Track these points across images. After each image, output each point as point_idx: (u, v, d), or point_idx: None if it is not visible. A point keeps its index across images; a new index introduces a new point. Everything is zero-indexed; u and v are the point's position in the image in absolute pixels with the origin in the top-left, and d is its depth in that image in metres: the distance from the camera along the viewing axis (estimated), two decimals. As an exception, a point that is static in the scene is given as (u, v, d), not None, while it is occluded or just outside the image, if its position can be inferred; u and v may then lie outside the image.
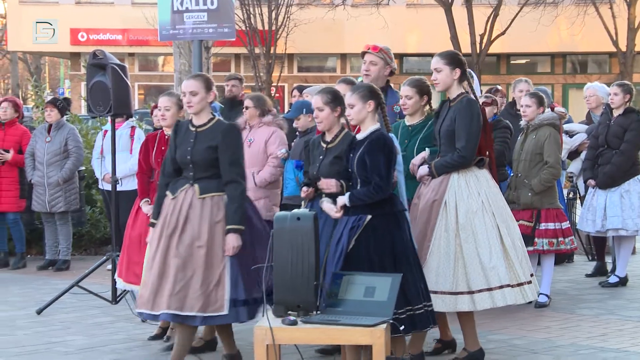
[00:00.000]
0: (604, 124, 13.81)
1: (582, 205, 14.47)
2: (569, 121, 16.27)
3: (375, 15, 42.90)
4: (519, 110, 13.35)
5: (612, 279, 13.87)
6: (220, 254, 7.96)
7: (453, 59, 9.35)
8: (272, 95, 39.72)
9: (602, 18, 43.05)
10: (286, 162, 12.82)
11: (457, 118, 9.06)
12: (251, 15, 41.92)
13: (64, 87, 53.34)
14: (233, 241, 7.82)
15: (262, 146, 12.99)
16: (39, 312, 10.42)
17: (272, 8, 43.57)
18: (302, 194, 9.04)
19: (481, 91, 14.63)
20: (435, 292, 8.78)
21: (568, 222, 13.13)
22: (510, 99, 16.03)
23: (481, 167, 9.26)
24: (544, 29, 43.44)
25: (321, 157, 8.63)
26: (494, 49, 43.04)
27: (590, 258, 15.06)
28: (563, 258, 14.34)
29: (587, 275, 14.52)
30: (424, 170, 9.26)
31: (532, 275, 9.48)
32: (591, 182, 13.81)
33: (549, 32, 44.49)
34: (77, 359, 8.99)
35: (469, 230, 8.98)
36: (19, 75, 65.81)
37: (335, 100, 8.63)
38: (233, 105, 16.19)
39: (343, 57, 50.52)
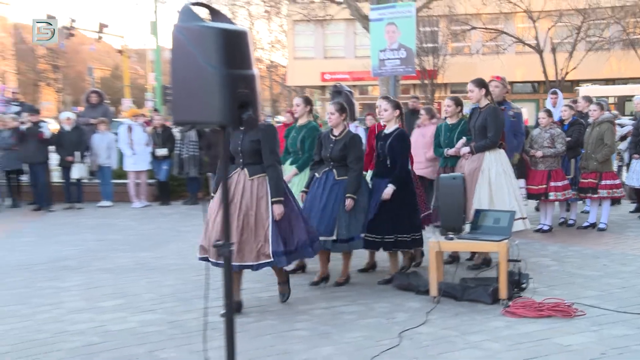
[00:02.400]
0: (642, 119, 13.48)
1: (627, 170, 14.06)
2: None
3: (497, 59, 42.22)
4: (585, 114, 13.16)
5: (647, 214, 13.53)
6: (265, 219, 7.15)
7: (480, 83, 9.47)
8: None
9: (639, 56, 41.93)
10: None
11: (488, 118, 9.20)
12: (422, 60, 41.24)
13: (316, 105, 53.15)
14: (277, 209, 7.11)
15: (430, 136, 12.93)
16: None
17: (435, 57, 43.03)
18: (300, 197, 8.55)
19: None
20: None
21: (619, 179, 12.94)
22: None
23: (499, 148, 9.38)
24: (602, 64, 42.36)
25: (331, 145, 8.37)
26: (569, 77, 41.84)
27: (632, 201, 14.55)
28: (615, 202, 13.79)
29: (631, 212, 14.01)
30: (466, 149, 9.35)
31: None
32: (635, 155, 13.39)
33: (605, 66, 43.12)
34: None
35: (498, 185, 9.09)
36: (292, 100, 66.28)
37: (341, 109, 8.40)
38: (413, 113, 15.41)
39: (477, 84, 49.67)
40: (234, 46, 3.82)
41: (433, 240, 7.95)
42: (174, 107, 3.95)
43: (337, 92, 9.32)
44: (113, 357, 6.32)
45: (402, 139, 8.61)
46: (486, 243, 7.94)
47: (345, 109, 8.52)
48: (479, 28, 43.77)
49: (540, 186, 11.87)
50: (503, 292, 7.58)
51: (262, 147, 7.13)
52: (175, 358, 6.29)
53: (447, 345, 6.39)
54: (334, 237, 8.24)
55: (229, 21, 3.99)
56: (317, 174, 8.54)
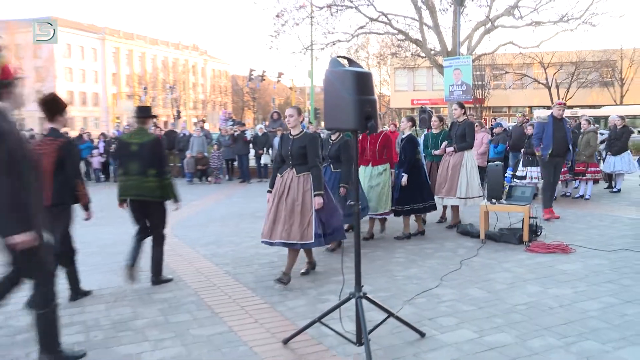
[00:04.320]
0: (613, 130, 12.83)
1: (603, 162, 13.34)
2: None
3: (521, 92, 41.62)
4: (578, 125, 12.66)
5: (615, 190, 12.76)
6: (308, 208, 5.70)
7: (461, 105, 8.89)
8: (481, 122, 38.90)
9: (612, 95, 40.80)
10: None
11: (466, 129, 8.54)
12: (475, 92, 40.10)
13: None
14: (318, 200, 5.63)
15: (480, 139, 12.44)
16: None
17: (482, 90, 42.19)
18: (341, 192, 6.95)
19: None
20: (465, 198, 8.38)
21: (599, 167, 12.47)
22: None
23: (471, 149, 8.68)
24: (587, 96, 41.95)
25: (329, 146, 7.25)
26: (567, 104, 40.42)
27: (606, 181, 13.77)
28: (596, 182, 13.00)
29: (605, 188, 13.28)
30: (450, 149, 8.59)
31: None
32: (609, 153, 12.79)
33: (589, 97, 42.29)
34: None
35: (470, 174, 8.47)
36: (394, 116, 65.08)
37: None
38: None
39: (508, 108, 48.09)
40: (363, 81, 3.75)
41: (482, 204, 7.77)
42: (326, 118, 3.92)
43: (423, 111, 9.11)
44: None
45: (409, 142, 8.00)
46: (516, 206, 7.65)
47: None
48: (511, 72, 43.92)
49: (549, 171, 11.51)
50: (526, 237, 7.41)
51: (308, 151, 5.79)
52: (324, 272, 6.32)
53: (490, 269, 6.24)
54: None
55: (359, 66, 3.95)
56: None
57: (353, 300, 4.00)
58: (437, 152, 8.98)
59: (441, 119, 9.30)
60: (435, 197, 8.59)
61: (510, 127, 14.83)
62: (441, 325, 4.52)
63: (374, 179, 7.83)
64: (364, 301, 3.98)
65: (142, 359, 4.02)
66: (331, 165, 7.27)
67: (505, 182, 8.89)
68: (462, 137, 8.58)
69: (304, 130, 5.96)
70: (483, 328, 4.45)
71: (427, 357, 3.94)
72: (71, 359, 3.99)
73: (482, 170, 12.40)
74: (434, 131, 9.24)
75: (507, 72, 43.51)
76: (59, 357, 3.91)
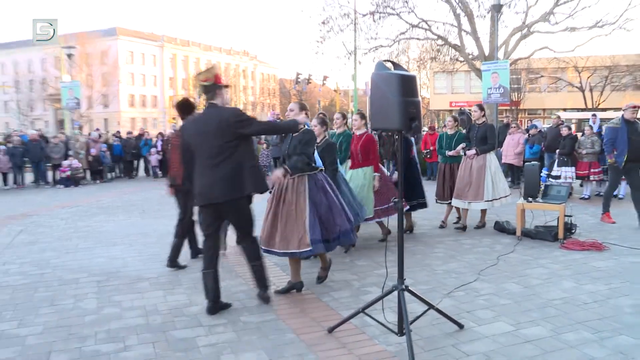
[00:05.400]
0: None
1: None
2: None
3: (556, 95, 40.64)
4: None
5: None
6: (303, 211, 4.94)
7: (481, 107, 8.23)
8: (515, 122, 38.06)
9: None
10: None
11: (487, 131, 7.91)
12: (511, 94, 39.34)
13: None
14: (277, 172, 4.90)
15: (517, 140, 12.17)
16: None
17: (518, 93, 41.36)
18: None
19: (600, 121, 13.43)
20: (492, 200, 7.83)
21: None
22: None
23: (493, 150, 8.09)
24: (620, 99, 39.32)
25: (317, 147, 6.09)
26: (600, 107, 39.53)
27: None
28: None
29: None
30: (471, 152, 7.89)
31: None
32: None
33: (622, 100, 39.17)
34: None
35: (496, 174, 7.87)
36: (433, 117, 64.03)
37: (322, 123, 6.23)
38: (507, 126, 14.33)
39: (543, 110, 46.87)
40: (407, 84, 3.71)
41: (519, 203, 7.59)
42: (372, 119, 3.90)
43: (462, 112, 8.89)
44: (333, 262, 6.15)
45: (406, 141, 7.74)
46: (552, 204, 7.44)
47: (326, 122, 6.39)
48: (546, 76, 42.80)
49: (584, 172, 11.25)
50: (560, 234, 7.21)
51: (299, 145, 5.07)
52: (366, 264, 6.28)
53: (526, 265, 6.12)
54: None
55: (404, 70, 3.90)
56: None
57: (395, 293, 3.97)
58: (450, 153, 8.26)
59: (456, 119, 8.61)
60: (457, 200, 8.09)
61: (545, 129, 14.50)
62: (479, 318, 4.46)
63: (354, 182, 6.95)
64: (406, 293, 3.96)
65: (197, 343, 4.08)
66: None
67: (541, 181, 8.68)
68: (482, 139, 7.94)
69: (306, 127, 5.21)
70: (519, 321, 4.37)
71: (465, 348, 3.89)
72: (283, 291, 5.21)
73: (518, 169, 12.17)
74: (449, 132, 8.49)
75: (542, 76, 42.55)
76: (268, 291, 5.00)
